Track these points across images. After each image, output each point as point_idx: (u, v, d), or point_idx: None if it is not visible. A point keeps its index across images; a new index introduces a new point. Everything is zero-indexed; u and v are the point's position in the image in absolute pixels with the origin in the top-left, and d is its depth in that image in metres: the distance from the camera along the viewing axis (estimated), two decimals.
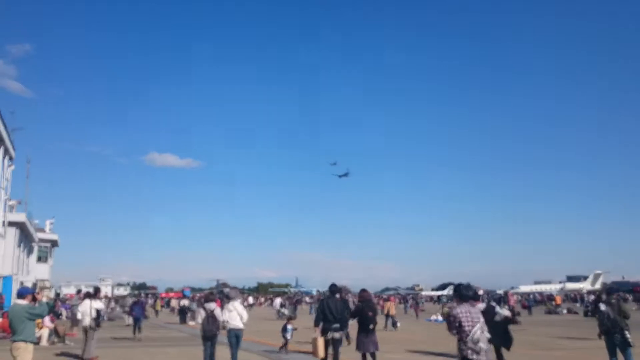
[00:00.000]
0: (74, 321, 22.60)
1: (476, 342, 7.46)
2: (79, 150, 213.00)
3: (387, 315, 28.67)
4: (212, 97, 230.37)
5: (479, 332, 7.48)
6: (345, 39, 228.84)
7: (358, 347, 12.41)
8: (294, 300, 50.83)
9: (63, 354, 17.09)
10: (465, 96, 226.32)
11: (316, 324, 12.14)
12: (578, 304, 61.18)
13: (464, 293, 7.84)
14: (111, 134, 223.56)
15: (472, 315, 7.57)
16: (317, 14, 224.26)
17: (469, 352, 7.48)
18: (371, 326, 12.26)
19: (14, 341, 9.00)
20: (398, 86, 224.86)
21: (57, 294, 70.93)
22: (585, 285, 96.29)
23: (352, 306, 16.83)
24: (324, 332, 11.88)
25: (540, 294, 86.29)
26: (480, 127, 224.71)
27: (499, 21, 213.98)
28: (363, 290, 14.11)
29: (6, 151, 33.59)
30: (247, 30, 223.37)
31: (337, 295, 12.54)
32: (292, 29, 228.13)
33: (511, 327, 14.41)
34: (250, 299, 69.05)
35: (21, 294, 9.50)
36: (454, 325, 7.60)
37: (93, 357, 15.27)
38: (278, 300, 47.80)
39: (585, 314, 41.92)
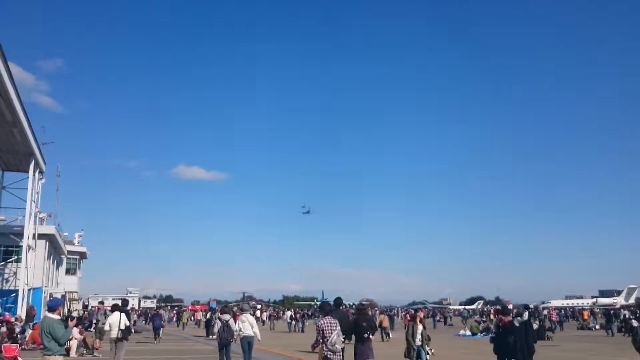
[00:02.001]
0: (99, 333, 22.76)
1: (333, 344, 10.13)
2: (107, 164, 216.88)
3: (381, 327, 30.45)
4: (238, 111, 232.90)
5: (336, 337, 10.17)
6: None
7: (355, 356, 12.73)
8: (302, 313, 50.65)
9: None
10: (486, 101, 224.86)
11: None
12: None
13: (325, 308, 11.15)
14: (139, 147, 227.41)
15: (331, 325, 10.29)
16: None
17: (329, 353, 10.17)
18: (365, 335, 12.65)
19: (45, 354, 9.06)
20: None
21: (86, 306, 71.69)
22: (619, 300, 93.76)
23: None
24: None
25: (572, 308, 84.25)
26: (506, 137, 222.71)
27: (501, 31, 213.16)
28: (361, 304, 17.98)
29: (37, 165, 34.17)
30: (276, 48, 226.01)
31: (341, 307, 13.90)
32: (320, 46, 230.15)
33: (541, 343, 14.14)
34: (259, 313, 68.58)
35: (51, 308, 9.54)
36: (319, 333, 10.16)
37: None
38: (288, 313, 48.78)
39: (619, 330, 40.77)
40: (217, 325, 15.16)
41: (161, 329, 30.61)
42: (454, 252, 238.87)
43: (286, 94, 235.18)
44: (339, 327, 10.23)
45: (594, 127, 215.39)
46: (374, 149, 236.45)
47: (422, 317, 15.48)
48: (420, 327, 14.99)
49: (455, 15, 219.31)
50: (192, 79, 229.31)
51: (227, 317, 15.16)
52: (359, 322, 13.29)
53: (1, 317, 26.02)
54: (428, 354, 15.13)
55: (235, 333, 14.83)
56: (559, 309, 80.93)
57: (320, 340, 10.10)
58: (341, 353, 10.20)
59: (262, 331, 14.94)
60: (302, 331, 42.55)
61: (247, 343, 14.76)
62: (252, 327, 14.87)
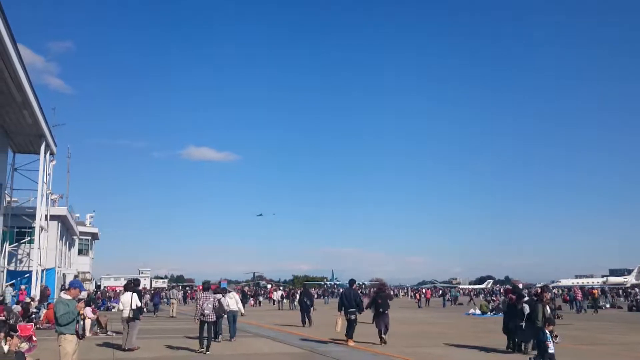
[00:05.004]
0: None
1: (204, 310, 14.97)
2: (117, 145, 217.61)
3: None
4: (248, 91, 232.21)
5: (206, 304, 15.09)
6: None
7: (376, 325, 17.15)
8: (290, 293, 51.29)
9: (105, 344, 17.37)
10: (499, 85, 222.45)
11: (339, 309, 17.35)
12: (622, 299, 59.45)
13: (205, 286, 17.72)
14: (149, 128, 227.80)
15: (207, 298, 15.37)
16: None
17: (202, 316, 14.96)
18: (380, 310, 16.88)
19: (58, 333, 9.26)
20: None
21: (98, 286, 72.55)
22: (629, 279, 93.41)
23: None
24: (345, 314, 16.93)
25: (582, 287, 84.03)
26: (516, 118, 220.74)
27: (500, 19, 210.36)
28: (380, 284, 21.01)
29: (47, 147, 34.31)
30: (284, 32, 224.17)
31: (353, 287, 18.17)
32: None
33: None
34: (240, 292, 68.87)
35: (68, 287, 9.69)
36: (198, 305, 15.36)
37: (134, 348, 15.49)
38: (279, 293, 50.74)
39: (630, 309, 40.79)
40: (212, 302, 17.34)
41: (159, 305, 36.93)
42: (463, 231, 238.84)
43: (298, 72, 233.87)
44: (211, 299, 15.35)
45: (603, 104, 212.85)
46: (382, 129, 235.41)
47: (548, 297, 13.80)
48: (547, 309, 13.49)
49: None
50: (204, 59, 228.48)
51: (218, 295, 17.48)
52: (376, 299, 17.34)
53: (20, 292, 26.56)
54: (556, 338, 13.35)
55: (225, 308, 17.52)
56: (569, 288, 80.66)
57: (200, 308, 15.05)
58: (212, 316, 15.08)
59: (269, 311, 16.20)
60: (293, 309, 42.79)
61: (232, 316, 18.53)
62: (237, 304, 18.91)
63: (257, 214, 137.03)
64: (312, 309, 26.71)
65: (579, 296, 40.90)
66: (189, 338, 18.22)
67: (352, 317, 16.81)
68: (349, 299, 16.94)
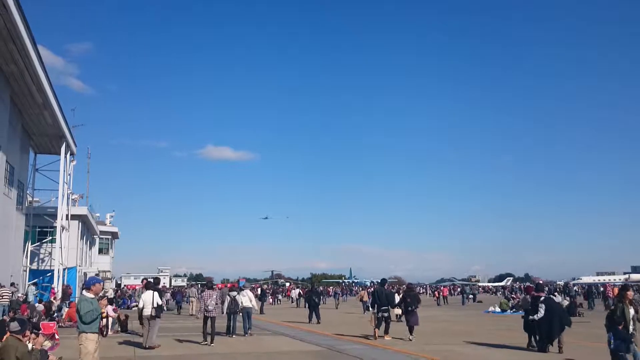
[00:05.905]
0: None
1: (207, 306, 16.29)
2: (137, 145, 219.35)
3: (362, 301, 33.61)
4: (265, 90, 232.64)
5: (209, 301, 16.35)
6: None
7: (406, 322, 18.22)
8: (306, 291, 51.41)
9: (125, 342, 17.52)
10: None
11: (372, 306, 18.50)
12: None
13: (209, 285, 17.95)
14: (169, 128, 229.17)
15: (210, 295, 16.62)
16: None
17: (205, 312, 16.30)
18: (410, 308, 18.01)
19: (80, 331, 9.28)
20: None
21: (118, 285, 73.18)
22: None
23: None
24: (377, 312, 17.83)
25: (604, 285, 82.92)
26: (533, 116, 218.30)
27: (500, 20, 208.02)
28: (409, 284, 22.92)
29: (68, 147, 34.72)
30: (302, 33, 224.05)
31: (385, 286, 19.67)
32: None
33: (574, 319, 13.88)
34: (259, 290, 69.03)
35: (87, 286, 9.68)
36: (202, 302, 16.67)
37: (154, 346, 15.60)
38: (297, 291, 50.54)
39: None
40: (227, 300, 19.16)
41: (181, 302, 38.11)
42: (482, 229, 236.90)
43: (316, 72, 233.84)
44: (214, 297, 16.63)
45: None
46: (399, 125, 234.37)
47: (632, 296, 11.31)
48: (631, 310, 10.81)
49: None
50: (222, 60, 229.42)
51: (234, 293, 19.35)
52: (405, 298, 18.62)
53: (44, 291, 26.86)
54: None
55: (239, 305, 19.01)
56: (590, 285, 79.26)
57: (203, 305, 16.50)
58: (214, 312, 16.36)
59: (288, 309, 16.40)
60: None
61: (247, 312, 19.55)
62: (250, 301, 19.98)
63: (263, 217, 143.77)
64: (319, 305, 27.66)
65: (611, 293, 38.06)
66: (208, 335, 18.32)
67: (385, 314, 17.86)
68: (381, 297, 17.90)
